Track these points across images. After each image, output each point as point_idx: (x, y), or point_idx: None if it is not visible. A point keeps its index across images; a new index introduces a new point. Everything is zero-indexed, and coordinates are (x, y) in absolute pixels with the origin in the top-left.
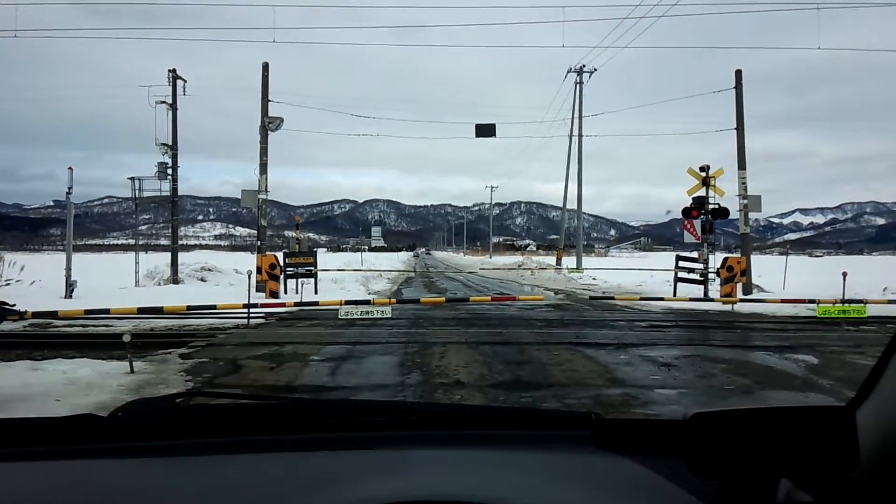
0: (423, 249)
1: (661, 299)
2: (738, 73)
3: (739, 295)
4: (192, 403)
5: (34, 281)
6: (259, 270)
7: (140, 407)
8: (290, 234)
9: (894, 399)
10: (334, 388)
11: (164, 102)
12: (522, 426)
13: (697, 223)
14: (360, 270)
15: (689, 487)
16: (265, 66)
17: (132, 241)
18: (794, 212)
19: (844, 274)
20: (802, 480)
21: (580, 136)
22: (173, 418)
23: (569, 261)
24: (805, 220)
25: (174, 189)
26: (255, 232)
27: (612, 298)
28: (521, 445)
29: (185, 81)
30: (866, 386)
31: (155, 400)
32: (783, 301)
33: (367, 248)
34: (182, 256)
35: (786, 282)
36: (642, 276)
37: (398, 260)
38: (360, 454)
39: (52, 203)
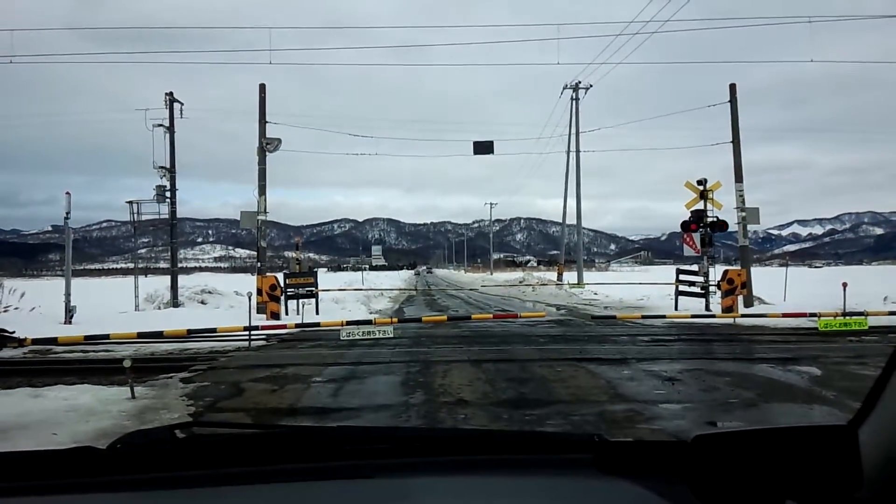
0: (425, 267)
1: (664, 317)
2: (733, 87)
3: (740, 308)
4: (191, 434)
5: (34, 307)
6: (259, 292)
7: (138, 438)
8: (290, 254)
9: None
10: (337, 410)
11: (161, 125)
12: (524, 450)
13: (696, 236)
14: (362, 290)
15: None
16: (262, 88)
17: (131, 265)
18: (792, 223)
19: (844, 285)
20: (807, 502)
21: (577, 151)
22: (172, 450)
23: (570, 276)
24: (804, 232)
25: (173, 212)
26: (255, 253)
27: (614, 318)
28: (523, 470)
29: (182, 104)
30: (867, 403)
31: (153, 431)
32: (784, 315)
33: (367, 267)
34: (182, 279)
35: (786, 293)
36: (643, 290)
37: (399, 278)
38: (360, 483)
39: (50, 228)
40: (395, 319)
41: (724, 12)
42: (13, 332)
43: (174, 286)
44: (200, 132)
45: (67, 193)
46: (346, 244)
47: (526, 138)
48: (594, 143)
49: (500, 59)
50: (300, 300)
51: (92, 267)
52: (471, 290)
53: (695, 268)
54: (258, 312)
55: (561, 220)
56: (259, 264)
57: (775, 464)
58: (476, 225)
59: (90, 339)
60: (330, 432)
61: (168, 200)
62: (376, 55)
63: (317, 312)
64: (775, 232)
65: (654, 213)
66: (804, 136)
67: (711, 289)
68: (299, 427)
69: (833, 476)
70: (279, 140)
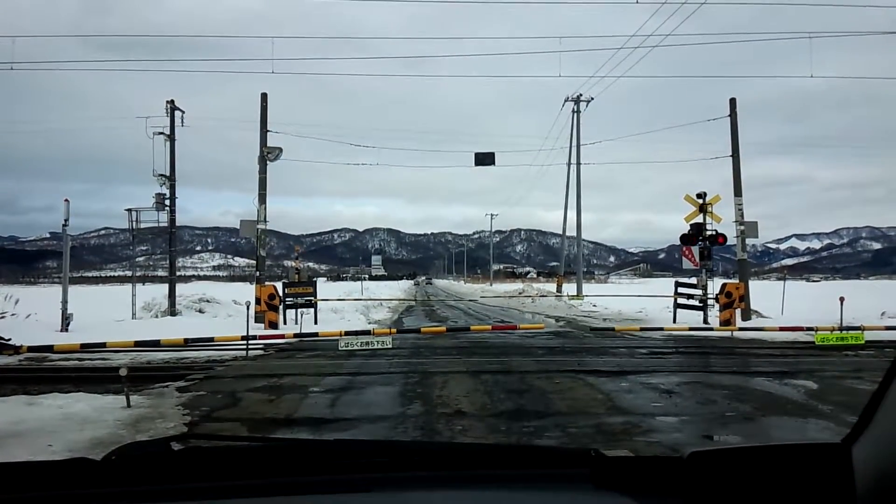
0: (424, 278)
1: (661, 329)
2: (733, 102)
3: (738, 321)
4: (187, 447)
5: (30, 314)
6: (258, 301)
7: (134, 451)
8: (289, 263)
9: (890, 435)
10: (334, 420)
11: (162, 133)
12: (521, 464)
13: (695, 249)
14: (361, 300)
15: None
16: (264, 97)
17: (129, 273)
18: (790, 237)
19: (842, 299)
20: None
21: (578, 163)
22: (167, 462)
23: (569, 287)
24: (801, 246)
25: (172, 220)
26: (254, 262)
27: (613, 329)
28: (520, 484)
29: (184, 112)
30: (862, 421)
31: (149, 443)
32: (782, 328)
33: (367, 276)
34: (180, 288)
35: (784, 307)
36: (642, 302)
37: (399, 288)
38: (357, 497)
39: (48, 235)
40: (393, 330)
41: (726, 27)
42: (9, 340)
43: (172, 294)
44: (201, 140)
45: (66, 201)
46: (346, 254)
47: (528, 150)
48: (595, 155)
49: (502, 72)
50: (299, 310)
51: (89, 274)
52: (470, 300)
53: (693, 281)
54: (256, 322)
55: (561, 232)
56: (258, 273)
57: (770, 481)
58: (476, 236)
59: (86, 348)
60: (327, 445)
61: (167, 208)
62: (379, 66)
63: (315, 322)
64: (773, 246)
65: (653, 226)
66: (804, 150)
67: (710, 302)
68: (297, 440)
69: (827, 494)
70: (280, 149)
